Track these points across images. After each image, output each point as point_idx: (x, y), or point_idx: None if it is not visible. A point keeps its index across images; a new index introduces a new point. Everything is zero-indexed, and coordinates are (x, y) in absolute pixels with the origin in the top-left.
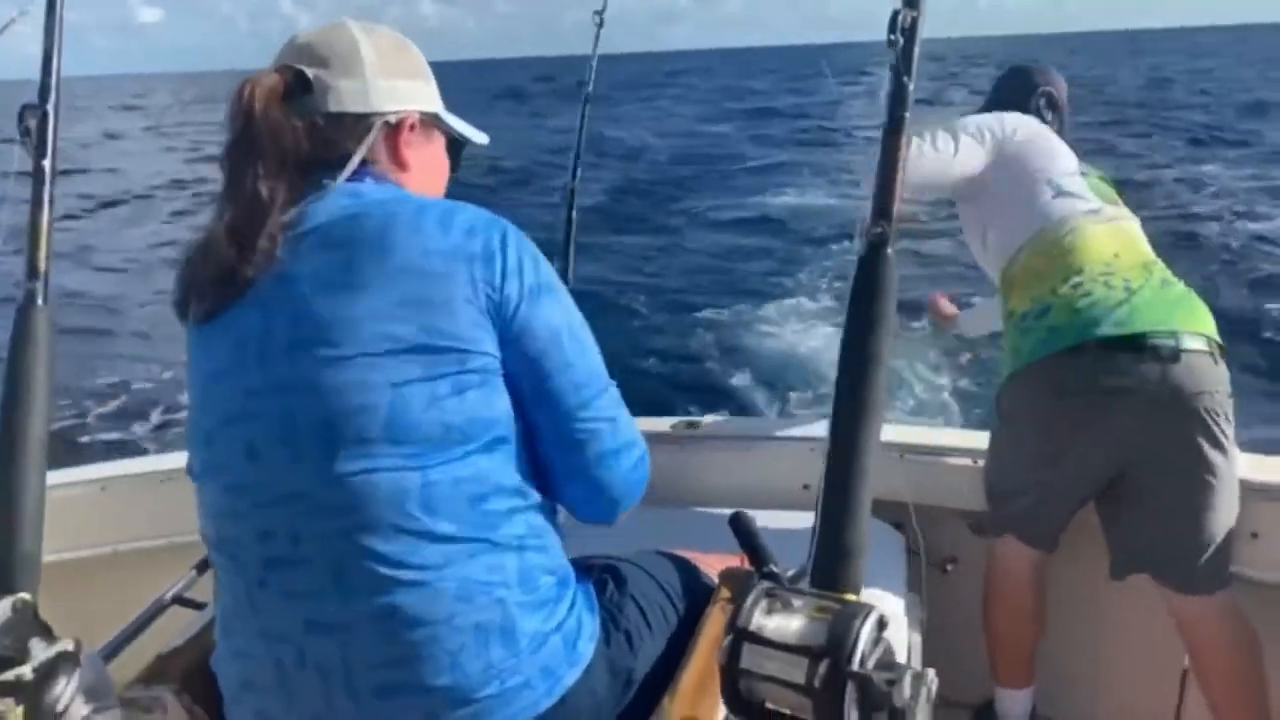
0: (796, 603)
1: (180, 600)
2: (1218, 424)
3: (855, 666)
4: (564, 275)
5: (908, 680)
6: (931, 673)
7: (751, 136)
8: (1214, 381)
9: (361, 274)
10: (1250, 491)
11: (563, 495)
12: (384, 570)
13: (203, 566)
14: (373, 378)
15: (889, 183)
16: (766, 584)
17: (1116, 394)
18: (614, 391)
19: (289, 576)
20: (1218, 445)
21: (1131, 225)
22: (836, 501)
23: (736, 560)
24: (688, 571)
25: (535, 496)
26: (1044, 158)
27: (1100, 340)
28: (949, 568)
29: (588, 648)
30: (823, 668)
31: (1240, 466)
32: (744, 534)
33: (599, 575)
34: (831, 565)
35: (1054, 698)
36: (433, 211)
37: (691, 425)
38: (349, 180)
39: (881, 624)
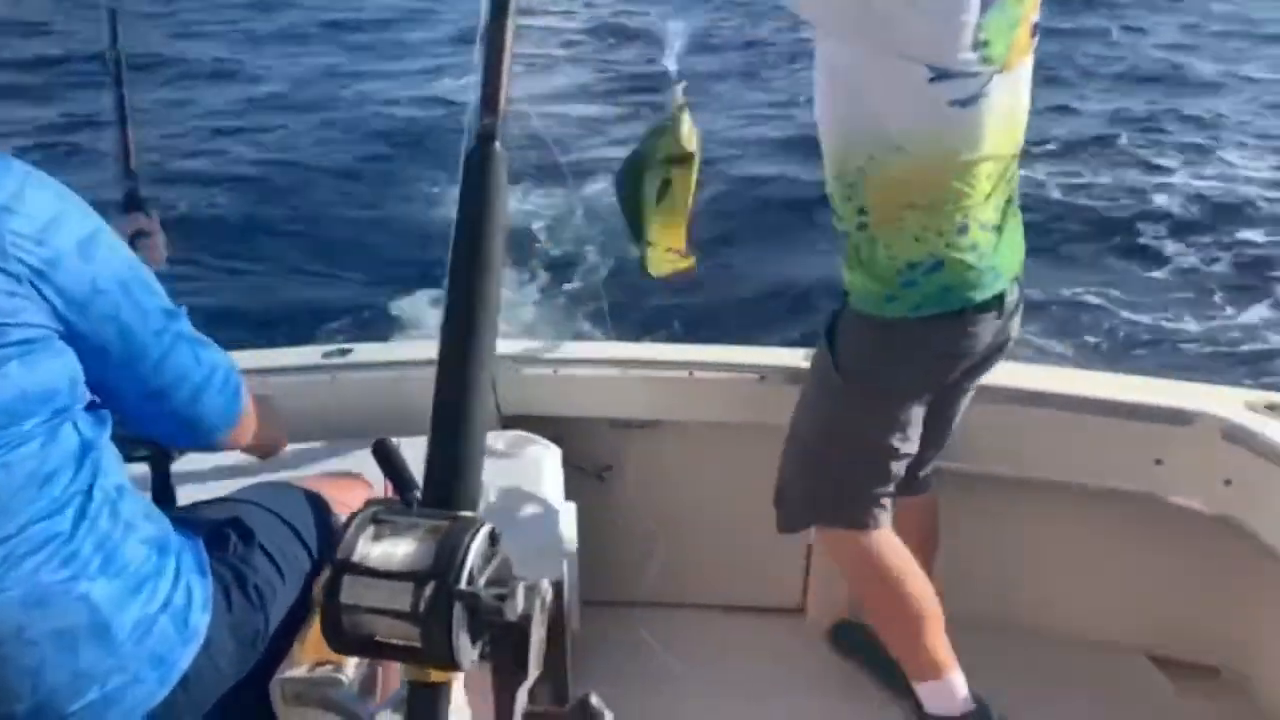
0: (407, 527)
1: None
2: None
3: (463, 585)
4: (126, 164)
5: (520, 594)
6: (546, 583)
7: None
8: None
9: None
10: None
11: (157, 437)
12: None
13: None
14: None
15: (495, 73)
16: (373, 509)
17: (966, 354)
18: (184, 323)
19: None
20: None
21: (1015, 122)
22: (447, 417)
23: (385, 491)
24: (321, 507)
25: (111, 463)
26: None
27: (977, 305)
28: (604, 475)
29: (201, 619)
30: (428, 590)
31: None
32: (385, 461)
33: (216, 530)
34: (445, 483)
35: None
36: None
37: (344, 352)
38: None
39: (493, 538)
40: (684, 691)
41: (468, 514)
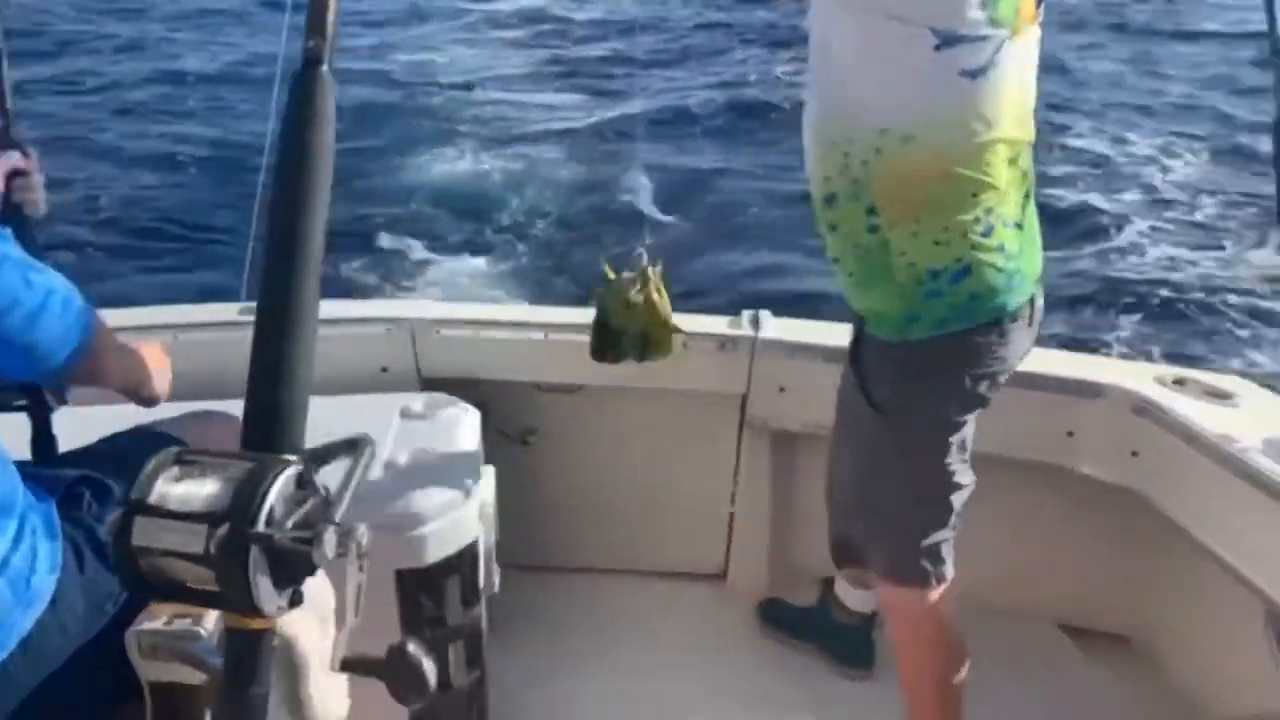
0: (214, 468)
1: None
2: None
3: (260, 527)
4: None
5: (329, 538)
6: (363, 527)
7: None
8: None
9: None
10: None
11: None
12: None
13: None
14: None
15: None
16: (177, 449)
17: (1002, 369)
18: (9, 244)
19: None
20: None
21: (1027, 101)
22: (267, 359)
23: None
24: None
25: None
26: None
27: (1011, 313)
28: (529, 440)
29: (46, 582)
30: (221, 532)
31: None
32: None
33: (70, 488)
34: (262, 425)
35: None
36: None
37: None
38: None
39: (301, 481)
40: (604, 655)
41: (284, 456)
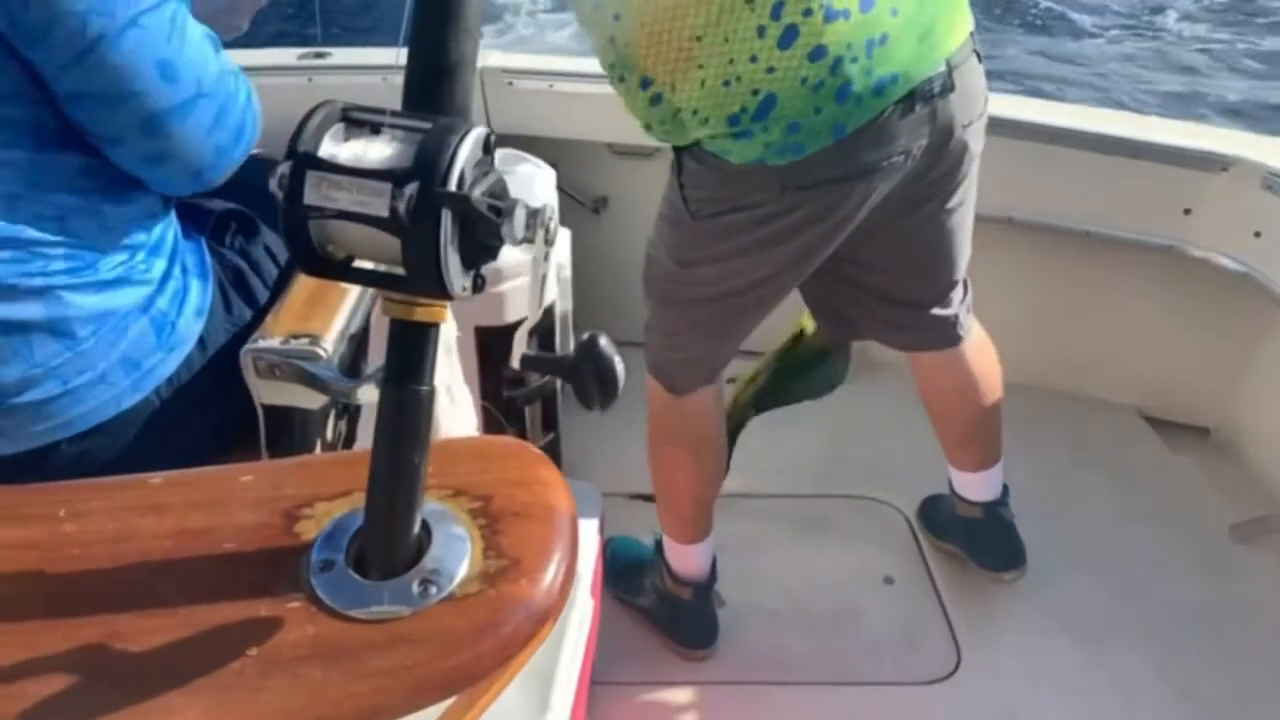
0: (383, 127)
1: None
2: (977, 143)
3: (452, 188)
4: None
5: (520, 215)
6: (551, 207)
7: None
8: (979, 92)
9: None
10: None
11: (133, 172)
12: None
13: None
14: None
15: None
16: (341, 103)
17: (867, 171)
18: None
19: None
20: (971, 176)
21: None
22: (430, 20)
23: None
24: None
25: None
26: None
27: (857, 129)
28: (599, 209)
29: (193, 326)
30: (410, 190)
31: None
32: None
33: (220, 222)
34: (427, 88)
35: None
36: None
37: (320, 55)
38: None
39: (488, 145)
40: None
41: (455, 119)
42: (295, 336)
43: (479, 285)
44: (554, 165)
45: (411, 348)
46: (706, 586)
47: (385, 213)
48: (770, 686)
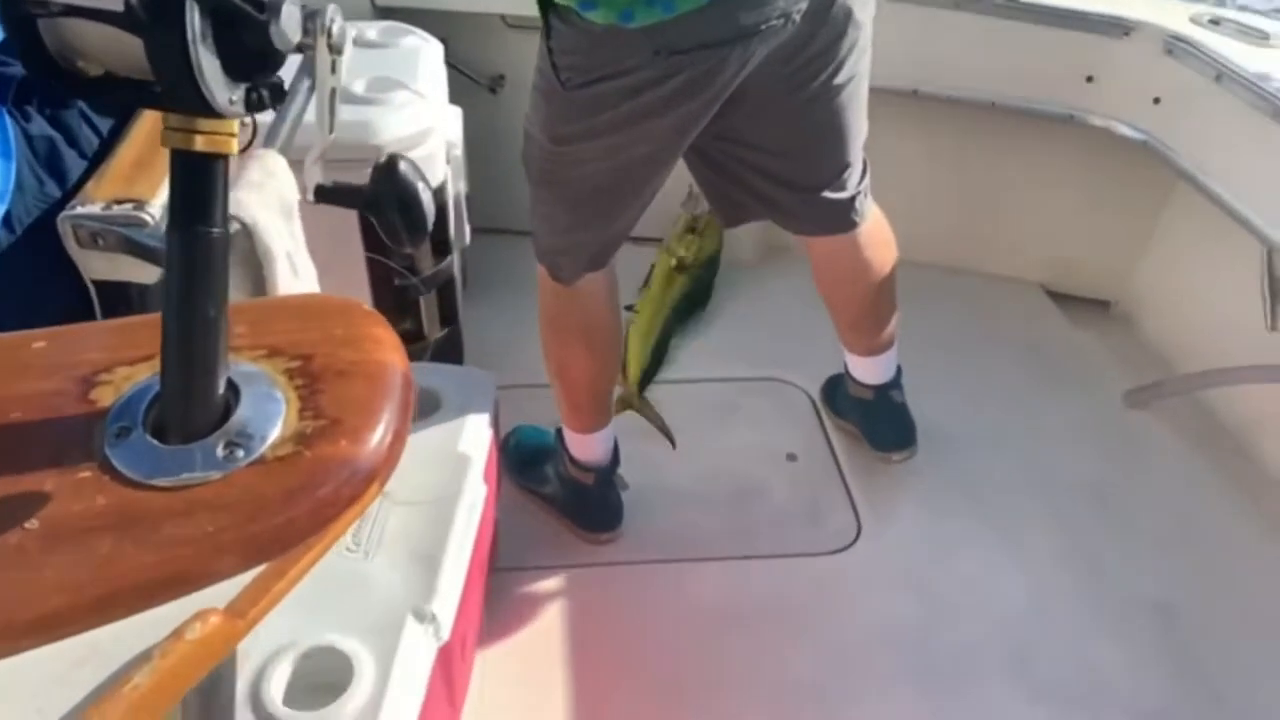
0: None
1: None
2: (864, 10)
3: None
4: None
5: (291, 10)
6: (333, 9)
7: None
8: None
9: None
10: None
11: None
12: None
13: None
14: None
15: None
16: None
17: (744, 35)
18: None
19: None
20: (859, 48)
21: None
22: None
23: None
24: None
25: None
26: None
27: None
28: (496, 87)
29: None
30: None
31: None
32: None
33: (25, 87)
34: None
35: None
36: None
37: None
38: None
39: None
40: None
41: None
42: (119, 202)
43: (257, 102)
44: (444, 40)
45: (196, 184)
46: (609, 471)
47: (120, 6)
48: (677, 563)
